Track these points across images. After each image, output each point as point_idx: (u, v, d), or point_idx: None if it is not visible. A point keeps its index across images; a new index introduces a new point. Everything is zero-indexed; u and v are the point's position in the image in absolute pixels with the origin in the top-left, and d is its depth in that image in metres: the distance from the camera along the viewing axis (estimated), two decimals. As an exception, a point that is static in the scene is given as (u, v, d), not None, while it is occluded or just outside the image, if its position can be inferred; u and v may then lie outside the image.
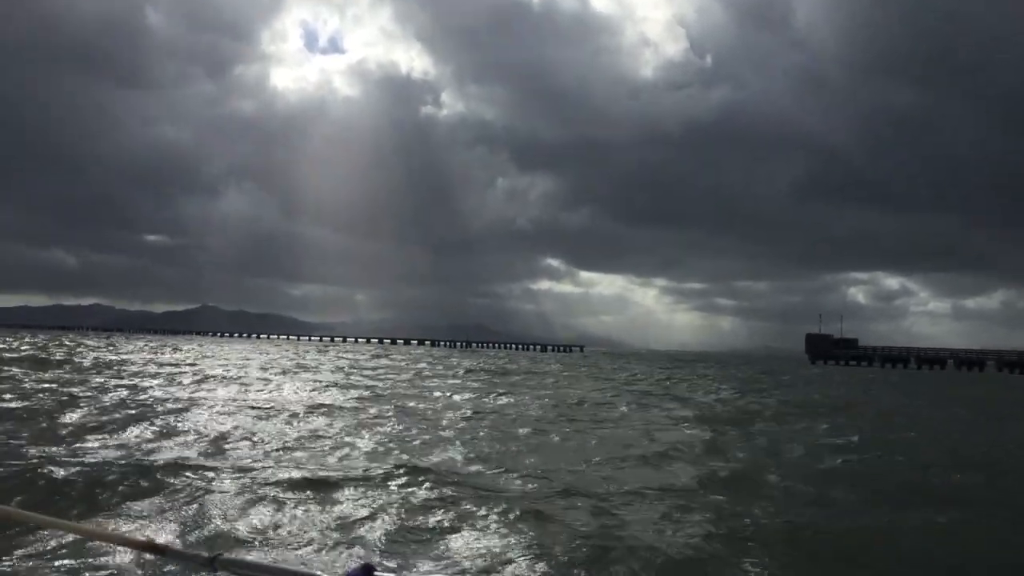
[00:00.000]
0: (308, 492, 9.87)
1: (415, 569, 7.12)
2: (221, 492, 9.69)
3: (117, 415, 16.90)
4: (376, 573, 2.07)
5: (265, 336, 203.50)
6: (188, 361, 45.50)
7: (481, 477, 11.74)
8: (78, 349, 57.13)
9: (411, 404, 23.56)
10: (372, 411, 20.63)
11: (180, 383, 27.96)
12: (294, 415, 18.69)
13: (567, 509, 9.71)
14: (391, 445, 14.62)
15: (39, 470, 10.56)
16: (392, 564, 7.07)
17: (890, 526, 9.57)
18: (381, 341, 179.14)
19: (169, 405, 19.52)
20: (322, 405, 21.51)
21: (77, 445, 13.15)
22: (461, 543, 7.93)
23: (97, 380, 27.14)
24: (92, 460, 11.61)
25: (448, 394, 28.25)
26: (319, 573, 3.00)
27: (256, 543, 7.74)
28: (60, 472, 10.44)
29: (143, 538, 6.54)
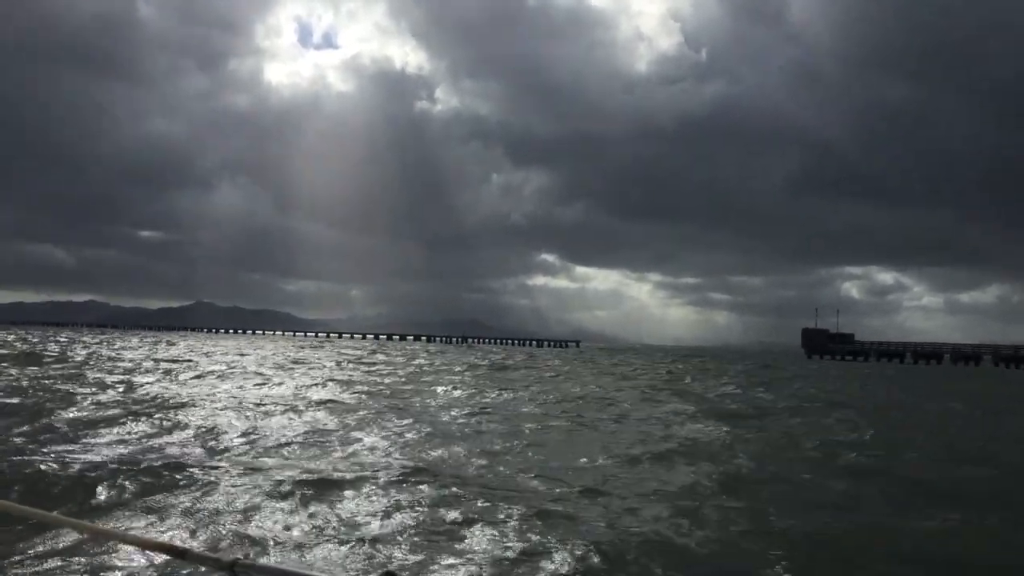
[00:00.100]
0: (320, 492, 9.65)
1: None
2: (231, 492, 9.47)
3: (117, 413, 16.64)
4: None
5: (260, 332, 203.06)
6: (185, 357, 45.18)
7: (492, 476, 11.52)
8: (73, 346, 56.74)
9: (413, 400, 23.34)
10: (375, 407, 20.39)
11: (179, 380, 27.72)
12: (297, 411, 18.46)
13: (582, 508, 9.50)
14: (397, 442, 14.39)
15: (41, 467, 10.36)
16: (414, 571, 6.86)
17: (912, 526, 9.36)
18: (377, 337, 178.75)
19: (170, 402, 19.27)
20: (324, 401, 21.28)
21: (78, 444, 12.92)
22: (478, 546, 7.70)
23: (94, 377, 26.84)
24: (94, 459, 11.38)
25: (449, 389, 28.04)
26: None
27: (271, 546, 7.52)
28: (63, 471, 10.24)
29: (163, 541, 6.59)
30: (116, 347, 57.75)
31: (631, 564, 7.34)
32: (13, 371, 27.68)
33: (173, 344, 72.15)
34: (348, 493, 9.69)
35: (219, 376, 30.65)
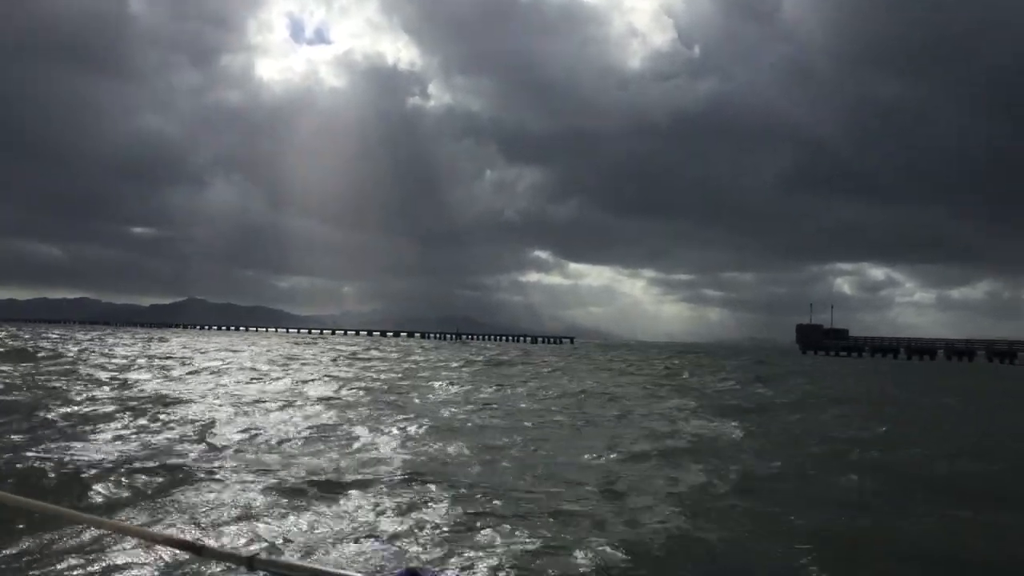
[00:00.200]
0: (329, 490, 9.45)
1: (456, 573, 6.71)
2: (237, 490, 9.27)
3: (113, 410, 16.39)
4: None
5: (254, 329, 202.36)
6: (179, 354, 44.86)
7: (500, 473, 11.30)
8: (66, 343, 56.34)
9: (413, 396, 23.14)
10: (376, 403, 20.20)
11: (175, 376, 27.46)
12: (297, 408, 18.26)
13: (595, 505, 9.29)
14: (403, 439, 14.18)
15: (37, 465, 10.14)
16: (434, 569, 6.66)
17: (925, 523, 9.19)
18: (371, 333, 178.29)
19: (167, 399, 18.99)
20: (323, 398, 21.08)
21: (75, 442, 12.69)
22: (495, 544, 7.48)
23: (89, 374, 26.56)
24: (92, 457, 11.15)
25: (447, 385, 27.84)
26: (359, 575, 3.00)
27: (285, 543, 7.34)
28: (60, 469, 10.02)
29: (179, 536, 6.14)
30: (109, 344, 57.35)
31: (653, 563, 7.14)
32: (6, 367, 27.35)
33: (166, 341, 71.71)
34: (358, 491, 9.47)
35: (215, 372, 30.38)
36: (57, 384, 21.77)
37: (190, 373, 29.37)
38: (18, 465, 10.17)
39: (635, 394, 26.69)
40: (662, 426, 17.03)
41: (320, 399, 20.71)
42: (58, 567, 6.38)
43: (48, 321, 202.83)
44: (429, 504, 8.93)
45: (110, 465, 10.45)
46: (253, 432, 14.32)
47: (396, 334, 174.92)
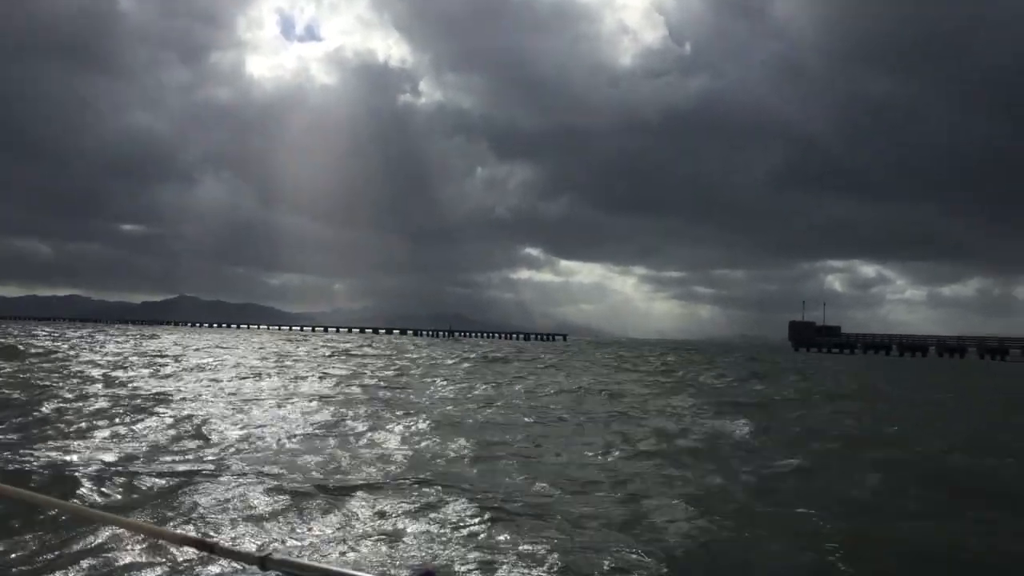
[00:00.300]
0: (338, 489, 9.24)
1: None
2: (241, 490, 9.02)
3: (109, 408, 16.10)
4: None
5: (245, 326, 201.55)
6: (171, 352, 44.47)
7: (509, 474, 11.07)
8: (56, 340, 55.88)
9: (413, 394, 22.92)
10: (375, 401, 19.98)
11: (169, 374, 27.14)
12: (297, 406, 17.98)
13: (607, 508, 9.01)
14: (407, 438, 13.97)
15: (33, 465, 9.87)
16: (449, 571, 6.48)
17: (958, 525, 9.00)
18: (363, 330, 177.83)
19: (163, 398, 18.73)
20: (323, 396, 20.82)
21: (71, 441, 12.45)
22: (511, 547, 7.24)
23: (81, 372, 26.23)
24: (90, 457, 10.92)
25: (446, 382, 27.62)
26: None
27: (295, 543, 7.15)
28: (57, 469, 9.77)
29: (191, 535, 6.21)
30: (100, 341, 56.88)
31: (673, 566, 6.91)
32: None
33: (157, 338, 71.26)
34: (365, 491, 9.25)
35: (209, 370, 30.08)
36: (48, 382, 21.45)
37: (184, 370, 29.05)
38: (14, 466, 9.92)
39: (634, 391, 26.49)
40: (667, 424, 16.80)
41: (318, 396, 20.43)
42: (71, 564, 6.31)
43: (38, 319, 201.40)
44: (439, 504, 8.70)
45: (111, 465, 10.26)
46: (254, 431, 14.08)
47: (388, 331, 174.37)
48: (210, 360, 36.94)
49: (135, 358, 35.75)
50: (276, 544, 7.06)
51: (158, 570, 6.14)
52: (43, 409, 15.51)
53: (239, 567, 5.47)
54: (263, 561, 2.25)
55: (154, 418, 15.00)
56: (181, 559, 6.22)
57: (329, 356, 46.96)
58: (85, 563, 6.33)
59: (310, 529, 7.67)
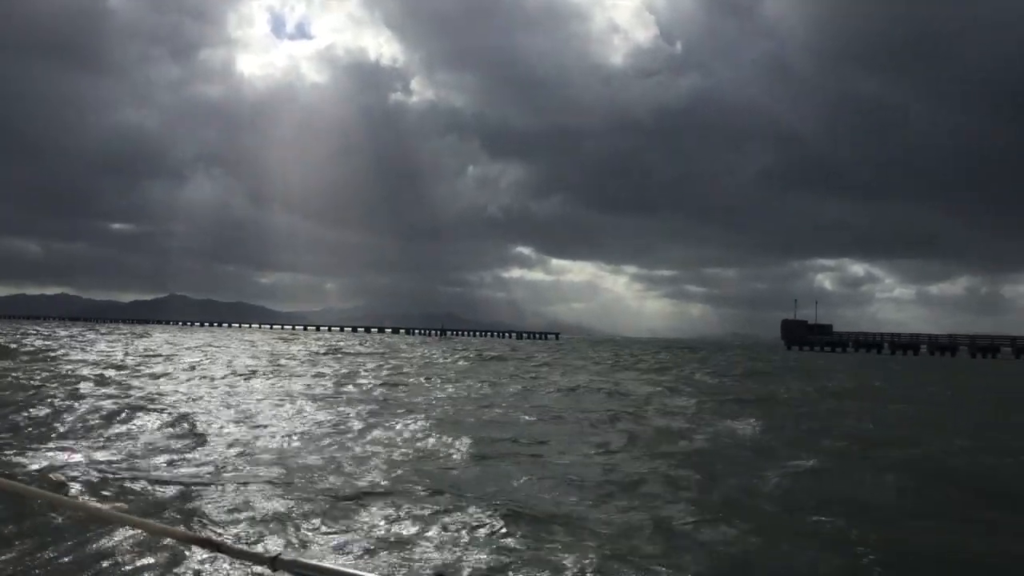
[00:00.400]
0: (346, 489, 9.05)
1: None
2: (245, 490, 8.82)
3: (104, 408, 15.80)
4: None
5: (236, 325, 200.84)
6: (163, 351, 44.08)
7: (518, 476, 10.83)
8: (46, 339, 55.39)
9: (411, 393, 22.68)
10: (376, 401, 19.73)
11: (163, 374, 26.83)
12: (297, 406, 17.73)
13: (619, 514, 8.70)
14: (412, 437, 13.73)
15: (31, 466, 9.64)
16: (459, 572, 6.29)
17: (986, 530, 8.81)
18: (355, 330, 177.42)
19: (161, 398, 18.47)
20: (321, 396, 20.60)
21: (66, 442, 12.22)
22: (526, 552, 7.02)
23: (71, 371, 25.89)
24: (87, 458, 10.67)
25: (444, 381, 27.40)
26: None
27: (304, 543, 6.95)
28: (53, 470, 9.52)
29: (202, 535, 6.02)
30: (90, 340, 56.39)
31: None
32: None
33: (149, 337, 70.76)
34: (372, 490, 9.06)
35: (204, 369, 29.77)
36: (40, 382, 21.13)
37: (177, 369, 28.74)
38: (12, 466, 9.69)
39: (635, 390, 26.28)
40: (672, 423, 16.59)
41: (316, 396, 20.22)
42: (80, 562, 6.26)
43: (27, 318, 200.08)
44: (447, 507, 8.49)
45: (109, 464, 10.06)
46: (253, 430, 13.84)
47: (380, 330, 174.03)
48: (203, 359, 36.61)
49: (127, 357, 35.37)
50: (286, 545, 6.88)
51: (168, 570, 6.02)
52: (36, 409, 15.18)
53: (249, 567, 5.36)
54: (273, 561, 2.25)
55: (150, 418, 14.72)
56: (190, 559, 6.10)
57: (323, 354, 46.70)
58: (94, 561, 6.26)
59: (317, 530, 7.45)
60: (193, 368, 29.95)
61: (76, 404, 16.09)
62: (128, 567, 6.15)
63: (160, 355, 38.51)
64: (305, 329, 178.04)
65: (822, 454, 12.45)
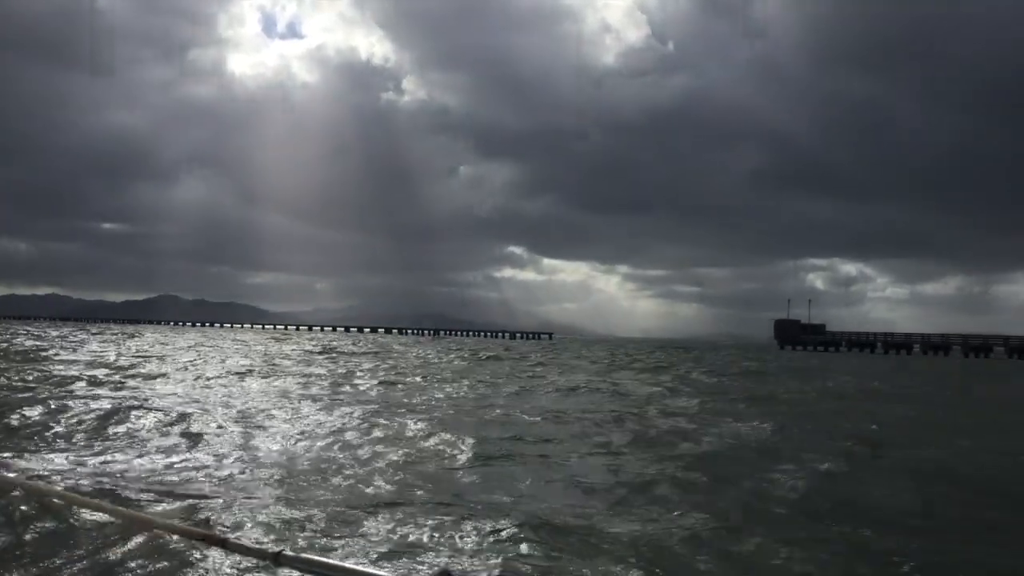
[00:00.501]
0: (348, 491, 8.91)
1: None
2: (253, 490, 8.64)
3: (99, 409, 15.52)
4: None
5: (228, 325, 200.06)
6: (156, 352, 43.69)
7: (520, 478, 10.62)
8: (39, 339, 54.94)
9: (408, 394, 22.44)
10: (376, 400, 19.50)
11: (159, 375, 26.52)
12: (297, 405, 17.51)
13: (636, 524, 8.27)
14: (407, 438, 13.48)
15: (49, 467, 9.37)
16: (468, 569, 6.10)
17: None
18: (347, 329, 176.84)
19: (158, 398, 18.19)
20: (320, 395, 20.36)
21: (75, 442, 12.00)
22: (539, 557, 6.80)
23: (63, 372, 25.56)
24: (96, 458, 10.43)
25: (439, 382, 27.16)
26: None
27: (307, 540, 6.78)
28: (68, 470, 9.28)
29: (202, 529, 5.92)
30: (82, 340, 55.91)
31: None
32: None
33: (140, 337, 70.29)
34: (378, 491, 8.92)
35: (198, 369, 29.48)
36: (32, 382, 20.84)
37: (172, 369, 28.45)
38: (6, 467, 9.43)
39: (636, 390, 26.07)
40: (679, 424, 16.32)
41: (315, 397, 19.99)
42: (80, 556, 6.20)
43: (17, 318, 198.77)
44: (454, 508, 8.30)
45: (108, 464, 9.90)
46: (254, 431, 13.61)
47: (373, 330, 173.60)
48: (197, 359, 36.30)
49: (120, 358, 34.99)
50: (286, 541, 6.67)
51: (169, 564, 5.88)
52: (30, 410, 14.89)
53: (252, 563, 5.23)
54: (276, 557, 2.33)
55: (147, 418, 14.47)
56: (193, 554, 5.93)
57: (318, 354, 46.40)
58: (95, 556, 6.20)
59: (319, 529, 7.27)
60: (187, 368, 29.66)
61: (71, 404, 15.80)
62: (130, 562, 6.06)
63: (153, 355, 38.14)
64: (297, 329, 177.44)
65: (831, 456, 12.16)
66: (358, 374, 29.81)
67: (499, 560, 6.48)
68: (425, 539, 7.10)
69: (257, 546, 2.78)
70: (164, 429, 13.56)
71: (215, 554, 5.73)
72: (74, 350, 40.08)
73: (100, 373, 24.92)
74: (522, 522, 7.71)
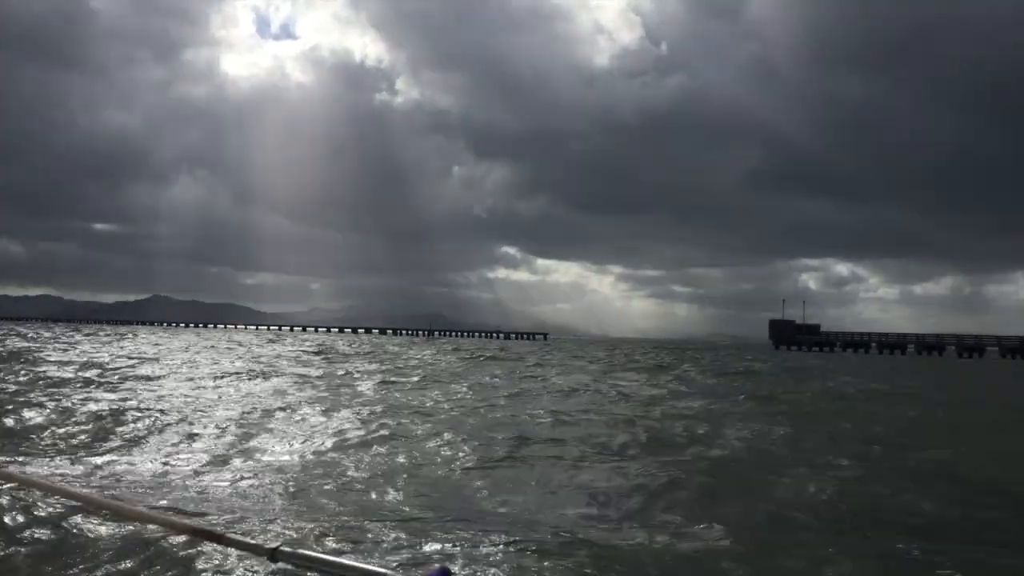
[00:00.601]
0: (350, 490, 8.75)
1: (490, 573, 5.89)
2: (255, 489, 8.47)
3: (96, 410, 15.20)
4: None
5: (222, 326, 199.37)
6: (150, 353, 43.25)
7: (529, 485, 10.39)
8: (32, 340, 54.44)
9: (407, 394, 22.13)
10: (376, 400, 19.19)
11: (156, 376, 26.16)
12: (297, 404, 17.26)
13: (658, 538, 7.74)
14: (408, 438, 13.21)
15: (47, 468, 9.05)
16: (468, 570, 5.88)
17: None
18: (342, 330, 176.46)
19: (157, 398, 17.86)
20: (320, 396, 20.07)
21: (72, 443, 11.81)
22: (525, 553, 6.51)
23: (63, 374, 25.19)
24: (94, 458, 10.16)
25: (438, 382, 26.83)
26: (389, 572, 2.81)
27: (305, 537, 6.52)
28: (66, 471, 8.96)
29: (198, 524, 5.81)
30: (75, 341, 55.43)
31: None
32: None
33: (134, 337, 69.79)
34: (380, 492, 8.76)
35: (195, 370, 29.14)
36: (26, 384, 20.49)
37: (167, 371, 28.09)
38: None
39: (638, 391, 25.76)
40: (689, 426, 16.00)
41: (314, 397, 19.71)
42: (76, 551, 6.17)
43: (10, 319, 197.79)
44: (458, 511, 8.10)
45: (107, 464, 9.78)
46: (252, 431, 13.39)
47: (367, 331, 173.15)
48: (192, 359, 35.96)
49: (113, 359, 34.60)
50: (286, 537, 6.46)
51: (168, 559, 5.74)
52: (26, 411, 14.68)
53: (248, 558, 5.00)
54: (273, 553, 2.40)
55: (144, 419, 14.25)
56: (190, 549, 5.77)
57: (314, 355, 46.08)
58: (92, 550, 6.15)
59: (321, 528, 7.02)
60: (182, 369, 29.33)
61: (66, 405, 15.51)
62: (125, 556, 6.00)
63: (147, 356, 37.73)
64: (292, 330, 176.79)
65: (850, 460, 11.89)
66: (355, 375, 29.51)
67: (504, 568, 6.17)
68: (425, 539, 6.82)
69: (254, 541, 2.71)
70: (160, 430, 13.39)
71: (212, 549, 5.61)
72: (66, 351, 39.63)
73: (94, 374, 24.55)
74: (530, 530, 7.38)
